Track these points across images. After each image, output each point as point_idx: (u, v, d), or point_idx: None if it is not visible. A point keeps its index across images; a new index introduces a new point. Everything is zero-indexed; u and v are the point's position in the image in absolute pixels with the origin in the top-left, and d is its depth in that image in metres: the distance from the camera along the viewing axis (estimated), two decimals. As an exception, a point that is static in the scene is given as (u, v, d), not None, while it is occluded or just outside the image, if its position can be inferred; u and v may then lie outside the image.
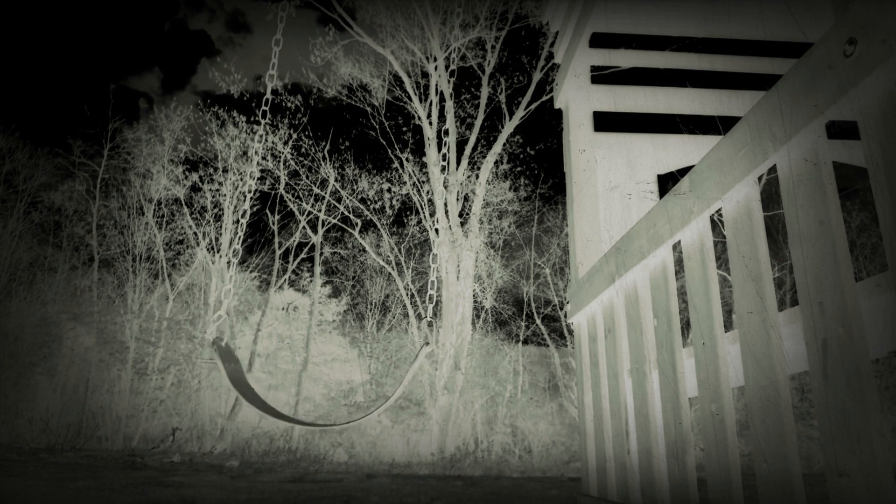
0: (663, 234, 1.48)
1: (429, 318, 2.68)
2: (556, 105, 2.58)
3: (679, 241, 1.45)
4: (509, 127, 12.72)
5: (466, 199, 12.73)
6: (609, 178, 2.15)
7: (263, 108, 2.60)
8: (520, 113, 12.72)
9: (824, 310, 0.92)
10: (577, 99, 2.42)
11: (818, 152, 0.96)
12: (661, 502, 1.57)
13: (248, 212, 2.64)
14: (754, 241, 1.12)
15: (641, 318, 1.66)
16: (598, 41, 2.55)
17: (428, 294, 2.75)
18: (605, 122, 2.33)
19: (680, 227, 1.40)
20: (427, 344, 2.53)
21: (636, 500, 1.75)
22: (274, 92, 14.41)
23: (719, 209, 1.28)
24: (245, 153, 14.89)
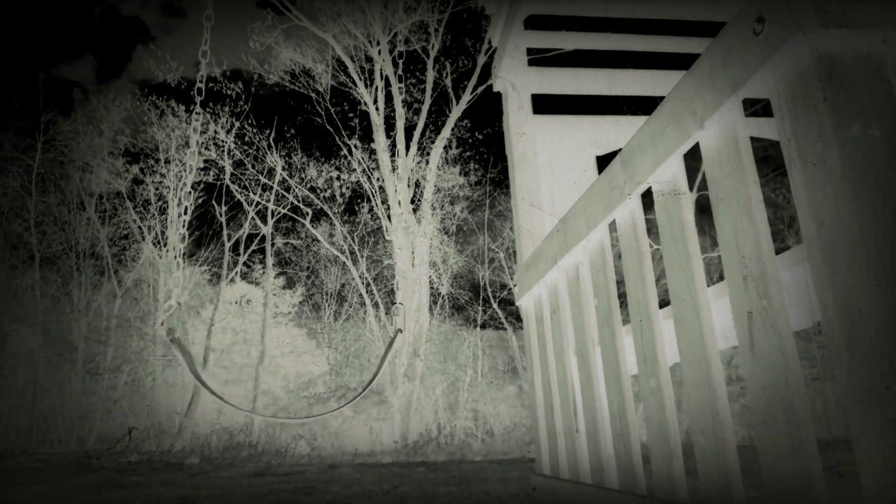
0: (598, 214, 1.49)
1: (399, 303, 2.68)
2: (495, 88, 2.57)
3: (614, 221, 1.46)
4: (456, 111, 12.69)
5: (417, 185, 12.67)
6: (549, 161, 2.15)
7: (199, 84, 2.49)
8: (466, 97, 12.70)
9: (748, 283, 0.94)
10: (515, 82, 2.41)
11: (736, 128, 0.97)
12: (609, 478, 1.61)
13: (193, 195, 2.55)
14: (682, 218, 1.14)
15: (582, 298, 1.67)
16: (535, 23, 2.54)
17: (396, 280, 2.74)
18: (545, 104, 2.33)
19: (614, 206, 1.41)
20: (401, 331, 2.53)
21: (586, 478, 1.78)
22: (213, 79, 13.88)
23: (650, 187, 1.29)
24: (187, 143, 14.33)
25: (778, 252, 0.96)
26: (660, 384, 1.26)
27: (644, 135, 1.26)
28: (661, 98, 1.20)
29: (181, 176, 14.42)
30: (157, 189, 14.63)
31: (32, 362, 13.41)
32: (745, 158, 0.94)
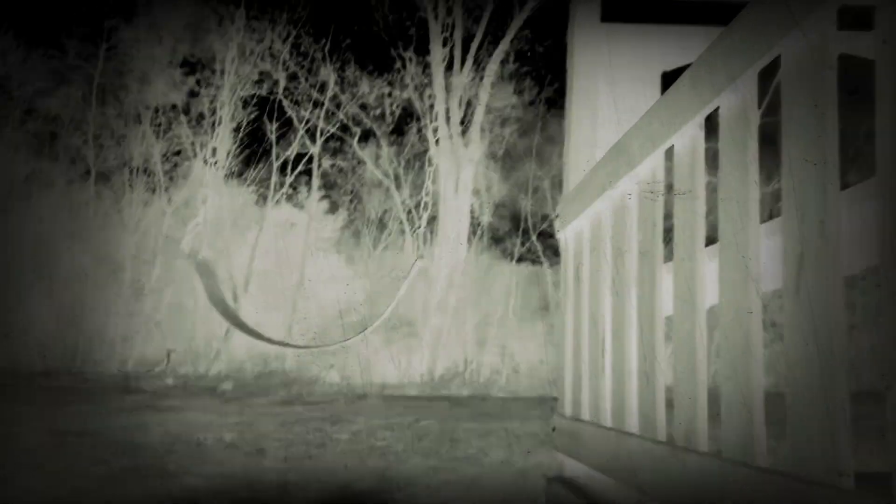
0: (656, 139, 1.43)
1: (422, 228, 2.65)
2: (563, -7, 2.43)
3: (672, 147, 1.40)
4: (518, 20, 12.14)
5: (469, 104, 12.40)
6: (611, 76, 2.05)
7: None
8: (530, 3, 12.11)
9: (805, 219, 0.89)
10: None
11: (826, 39, 0.89)
12: (630, 422, 1.63)
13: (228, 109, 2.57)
14: (745, 144, 1.07)
15: (626, 233, 1.64)
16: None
17: (423, 201, 2.67)
18: (617, 9, 2.18)
19: (674, 130, 1.34)
20: (421, 257, 2.51)
21: (606, 420, 1.81)
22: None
23: (716, 109, 1.22)
24: (243, 54, 14.32)
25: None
26: (694, 326, 1.24)
27: (718, 47, 1.18)
28: (744, 5, 1.10)
29: (235, 88, 14.49)
30: (211, 102, 14.77)
31: (82, 280, 14.22)
32: (828, 74, 0.87)
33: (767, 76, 1.10)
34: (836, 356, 0.83)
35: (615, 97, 2.06)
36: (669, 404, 1.55)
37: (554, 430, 2.33)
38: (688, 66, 1.33)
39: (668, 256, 1.48)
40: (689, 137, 1.31)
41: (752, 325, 1.03)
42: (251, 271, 14.48)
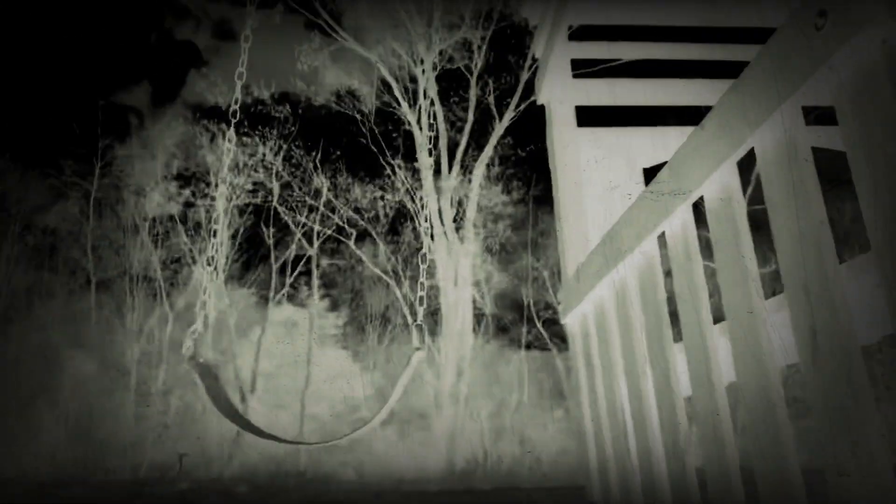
0: (646, 226, 1.46)
1: (419, 322, 2.50)
2: (539, 101, 2.57)
3: (663, 233, 1.42)
4: (499, 129, 12.75)
5: (460, 203, 12.73)
6: (593, 174, 2.13)
7: (233, 106, 2.54)
8: (509, 114, 12.75)
9: (810, 294, 0.89)
10: (559, 94, 2.40)
11: (795, 132, 0.94)
12: (663, 505, 1.54)
13: (222, 218, 2.63)
14: (736, 227, 1.10)
15: (631, 315, 1.63)
16: (580, 34, 2.54)
17: (418, 295, 2.58)
18: (589, 117, 2.31)
19: (663, 218, 1.37)
20: (418, 349, 2.37)
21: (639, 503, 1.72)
22: (262, 101, 14.44)
23: (701, 197, 1.25)
24: (237, 166, 14.86)
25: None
26: (716, 405, 1.21)
27: (694, 142, 1.23)
28: (710, 108, 1.17)
29: (231, 198, 14.94)
30: (207, 212, 15.19)
31: (88, 388, 13.98)
32: (805, 162, 0.91)
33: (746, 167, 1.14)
34: (868, 429, 0.80)
35: (598, 191, 2.13)
36: (701, 485, 1.48)
37: (585, 518, 2.21)
38: (665, 163, 1.38)
39: (675, 336, 1.47)
40: (679, 223, 1.34)
41: (776, 400, 1.00)
42: (257, 371, 14.20)
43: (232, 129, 2.45)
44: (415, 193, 13.31)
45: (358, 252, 14.62)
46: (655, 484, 1.56)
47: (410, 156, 13.49)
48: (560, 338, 13.95)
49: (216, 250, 2.37)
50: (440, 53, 13.04)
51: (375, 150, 13.81)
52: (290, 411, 14.92)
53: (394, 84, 13.00)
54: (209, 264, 2.46)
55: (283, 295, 15.46)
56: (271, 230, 14.99)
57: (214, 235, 2.37)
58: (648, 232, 1.46)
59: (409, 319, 13.96)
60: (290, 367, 15.78)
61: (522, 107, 12.75)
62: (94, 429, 13.52)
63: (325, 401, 15.71)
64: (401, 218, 14.56)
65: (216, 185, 15.03)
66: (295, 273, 15.39)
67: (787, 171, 0.95)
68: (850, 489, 0.84)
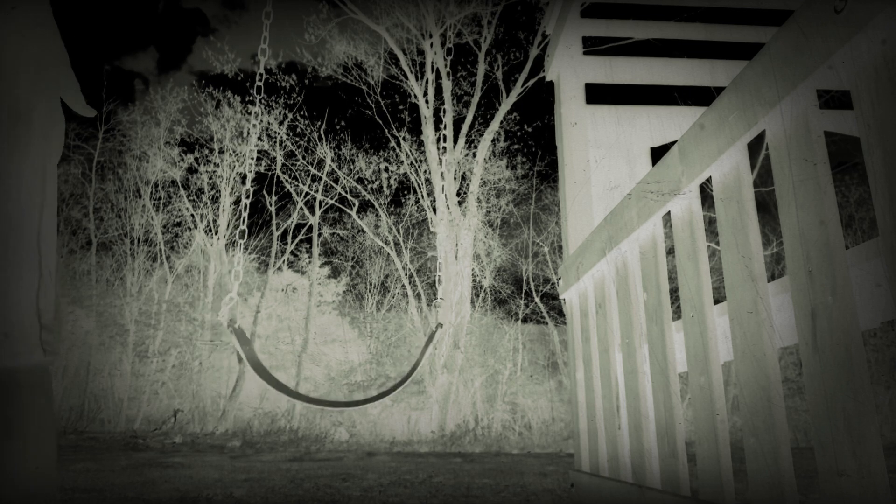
0: (652, 205, 1.45)
1: (441, 298, 2.75)
2: (548, 77, 2.52)
3: (669, 212, 1.41)
4: (506, 104, 12.58)
5: (464, 177, 12.65)
6: (600, 152, 2.10)
7: (258, 83, 2.54)
8: (517, 90, 12.57)
9: (813, 278, 0.89)
10: (569, 70, 2.36)
11: (808, 115, 0.92)
12: (651, 478, 1.56)
13: (250, 192, 2.63)
14: (743, 208, 1.08)
15: (631, 292, 1.63)
16: (591, 11, 2.48)
17: (437, 275, 2.80)
18: (598, 94, 2.27)
19: (669, 198, 1.36)
20: (440, 326, 2.60)
21: (626, 476, 1.74)
22: (268, 71, 14.23)
23: (709, 178, 1.24)
24: (241, 134, 14.74)
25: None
26: (710, 381, 1.21)
27: (705, 122, 1.21)
28: (720, 89, 1.14)
29: (234, 166, 14.84)
30: (210, 178, 15.11)
31: (86, 344, 14.09)
32: (816, 144, 0.89)
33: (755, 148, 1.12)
34: (862, 412, 0.80)
35: (608, 169, 2.10)
36: (690, 458, 1.50)
37: (573, 486, 2.24)
38: (674, 142, 1.36)
39: (674, 315, 1.47)
40: (685, 203, 1.32)
41: (773, 380, 1.01)
42: (255, 335, 14.33)
43: (258, 105, 2.43)
44: (419, 166, 13.22)
45: (359, 222, 14.59)
46: (645, 458, 1.57)
47: (416, 129, 13.35)
48: (557, 311, 14.03)
49: (244, 223, 2.41)
50: (449, 27, 12.80)
51: (381, 121, 13.66)
52: (286, 372, 15.10)
53: (401, 57, 12.78)
54: (242, 237, 2.50)
55: (284, 261, 15.49)
56: (273, 198, 14.93)
57: (245, 210, 2.41)
58: (654, 211, 1.45)
59: (409, 291, 14.01)
60: (287, 332, 15.91)
61: (530, 83, 12.58)
62: (91, 382, 13.69)
63: (321, 364, 15.88)
64: (404, 190, 14.49)
65: (220, 152, 14.90)
66: (296, 241, 15.39)
67: (799, 152, 0.93)
68: (840, 466, 0.84)
